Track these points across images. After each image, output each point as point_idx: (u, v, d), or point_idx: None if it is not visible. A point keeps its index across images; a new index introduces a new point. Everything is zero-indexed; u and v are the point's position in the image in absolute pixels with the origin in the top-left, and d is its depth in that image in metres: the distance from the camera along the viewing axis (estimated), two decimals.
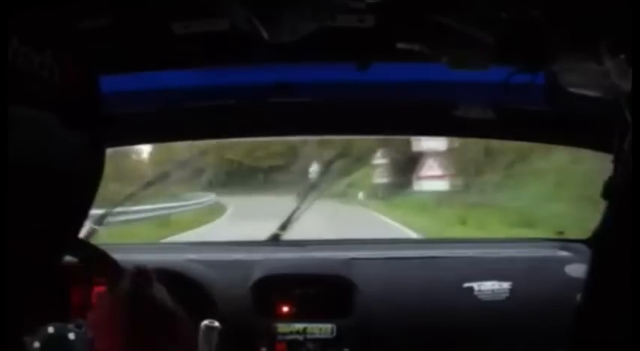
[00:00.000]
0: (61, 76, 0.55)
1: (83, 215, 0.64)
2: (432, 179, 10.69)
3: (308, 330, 1.60)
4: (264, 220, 2.33)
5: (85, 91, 0.61)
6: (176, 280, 1.58)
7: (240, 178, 13.67)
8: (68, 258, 1.29)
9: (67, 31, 0.62)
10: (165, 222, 8.46)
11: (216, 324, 1.34)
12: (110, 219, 2.07)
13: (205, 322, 1.34)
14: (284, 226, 2.07)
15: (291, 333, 1.60)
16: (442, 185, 10.70)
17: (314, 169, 9.51)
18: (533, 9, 0.94)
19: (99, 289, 1.47)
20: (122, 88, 1.39)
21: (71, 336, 1.19)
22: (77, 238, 0.88)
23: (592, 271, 0.91)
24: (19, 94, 0.51)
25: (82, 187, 0.62)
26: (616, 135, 1.06)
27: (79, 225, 0.65)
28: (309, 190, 2.45)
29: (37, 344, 1.16)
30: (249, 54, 1.18)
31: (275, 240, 2.06)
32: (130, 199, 2.35)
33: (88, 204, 0.64)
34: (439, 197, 10.52)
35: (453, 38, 1.05)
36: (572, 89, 1.04)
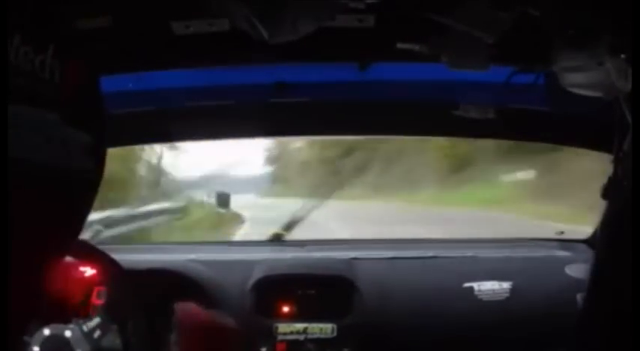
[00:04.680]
0: (61, 77, 0.55)
1: (83, 215, 0.64)
2: None
3: (308, 330, 1.60)
4: None
5: (86, 91, 0.61)
6: (176, 280, 1.59)
7: None
8: (68, 258, 1.29)
9: (69, 30, 0.62)
10: None
11: None
12: None
13: None
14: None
15: (291, 333, 1.60)
16: None
17: None
18: (533, 9, 0.94)
19: (99, 289, 1.47)
20: (122, 88, 1.39)
21: (68, 334, 1.19)
22: (77, 238, 0.88)
23: (593, 271, 0.91)
24: (19, 94, 0.51)
25: (83, 187, 0.62)
26: (616, 135, 1.06)
27: (80, 225, 0.65)
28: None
29: (36, 349, 1.17)
30: (249, 54, 1.18)
31: (276, 240, 2.06)
32: None
33: (88, 204, 0.64)
34: None
35: (453, 38, 1.05)
36: (572, 89, 1.04)
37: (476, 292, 1.64)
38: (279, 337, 1.60)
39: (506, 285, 1.65)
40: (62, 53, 0.56)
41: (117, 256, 1.30)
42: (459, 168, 10.11)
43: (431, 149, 10.14)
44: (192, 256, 1.74)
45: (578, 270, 1.67)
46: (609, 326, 0.82)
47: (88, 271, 1.41)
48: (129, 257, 1.48)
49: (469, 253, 1.81)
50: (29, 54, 0.52)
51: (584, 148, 1.71)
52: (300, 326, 1.60)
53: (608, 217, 0.99)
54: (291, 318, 1.63)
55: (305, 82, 1.44)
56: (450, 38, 1.06)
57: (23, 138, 0.51)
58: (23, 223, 0.53)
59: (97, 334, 1.25)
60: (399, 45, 1.12)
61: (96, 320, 1.30)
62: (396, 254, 1.82)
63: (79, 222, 0.64)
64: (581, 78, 1.00)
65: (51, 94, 0.55)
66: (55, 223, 0.59)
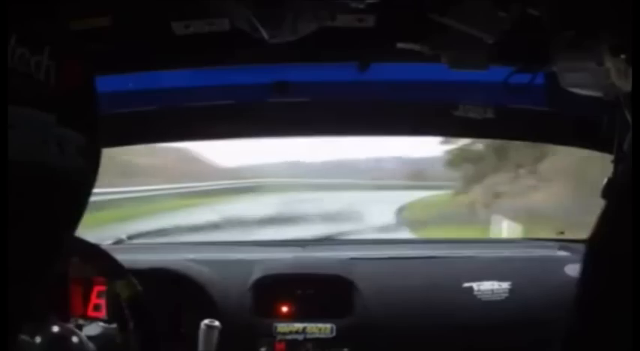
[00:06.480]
0: (57, 78, 0.56)
1: (78, 216, 0.64)
2: None
3: (308, 330, 1.60)
4: None
5: (81, 92, 0.61)
6: (176, 280, 1.59)
7: None
8: (68, 258, 1.29)
9: (66, 31, 0.62)
10: None
11: (217, 323, 1.34)
12: None
13: (205, 321, 1.35)
14: None
15: (290, 333, 1.60)
16: None
17: None
18: (533, 9, 0.95)
19: (99, 289, 1.47)
20: (122, 88, 1.39)
21: (68, 334, 1.19)
22: (76, 238, 0.88)
23: (591, 272, 0.91)
24: (14, 95, 0.51)
25: (78, 187, 0.62)
26: (616, 135, 1.06)
27: (74, 225, 0.65)
28: None
29: (38, 339, 1.16)
30: (249, 54, 1.18)
31: (275, 239, 2.06)
32: None
33: (83, 204, 0.64)
34: None
35: (453, 38, 1.05)
36: (572, 89, 1.04)
37: (475, 292, 1.64)
38: (279, 337, 1.59)
39: (505, 285, 1.65)
40: (58, 54, 0.56)
41: (117, 256, 1.30)
42: None
43: None
44: (192, 256, 1.74)
45: (578, 270, 1.67)
46: (607, 328, 0.82)
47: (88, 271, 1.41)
48: (129, 257, 1.48)
49: (469, 253, 1.81)
50: (25, 55, 0.52)
51: (584, 148, 1.71)
52: (299, 326, 1.60)
53: (607, 217, 0.99)
54: (291, 318, 1.63)
55: (305, 82, 1.44)
56: (450, 38, 1.06)
57: (19, 139, 0.51)
58: (20, 223, 0.53)
59: (97, 333, 1.25)
60: (399, 45, 1.12)
61: (96, 320, 1.30)
62: (396, 254, 1.82)
63: (74, 222, 0.64)
64: (581, 78, 1.00)
65: (46, 95, 0.55)
66: (51, 224, 0.59)
